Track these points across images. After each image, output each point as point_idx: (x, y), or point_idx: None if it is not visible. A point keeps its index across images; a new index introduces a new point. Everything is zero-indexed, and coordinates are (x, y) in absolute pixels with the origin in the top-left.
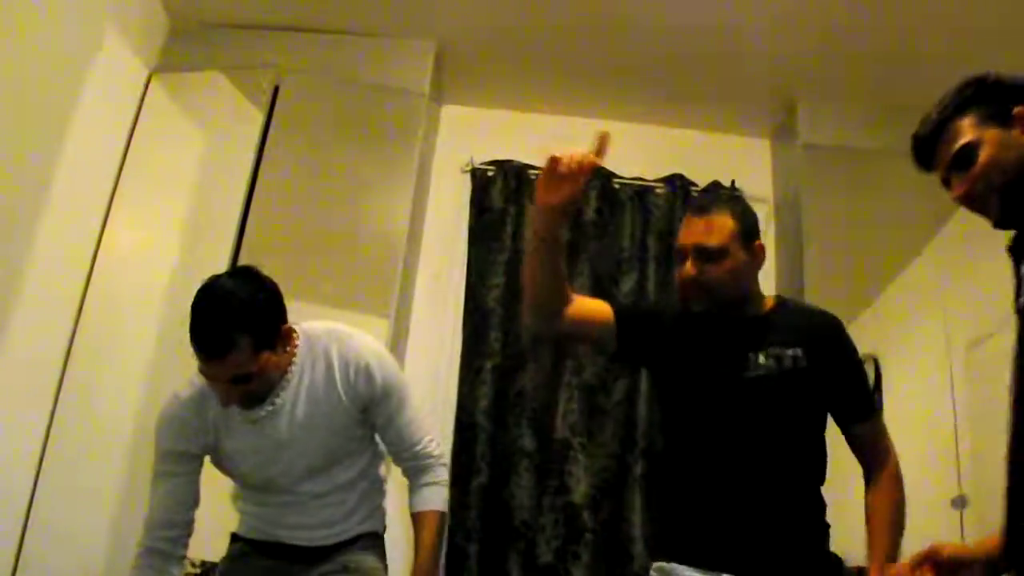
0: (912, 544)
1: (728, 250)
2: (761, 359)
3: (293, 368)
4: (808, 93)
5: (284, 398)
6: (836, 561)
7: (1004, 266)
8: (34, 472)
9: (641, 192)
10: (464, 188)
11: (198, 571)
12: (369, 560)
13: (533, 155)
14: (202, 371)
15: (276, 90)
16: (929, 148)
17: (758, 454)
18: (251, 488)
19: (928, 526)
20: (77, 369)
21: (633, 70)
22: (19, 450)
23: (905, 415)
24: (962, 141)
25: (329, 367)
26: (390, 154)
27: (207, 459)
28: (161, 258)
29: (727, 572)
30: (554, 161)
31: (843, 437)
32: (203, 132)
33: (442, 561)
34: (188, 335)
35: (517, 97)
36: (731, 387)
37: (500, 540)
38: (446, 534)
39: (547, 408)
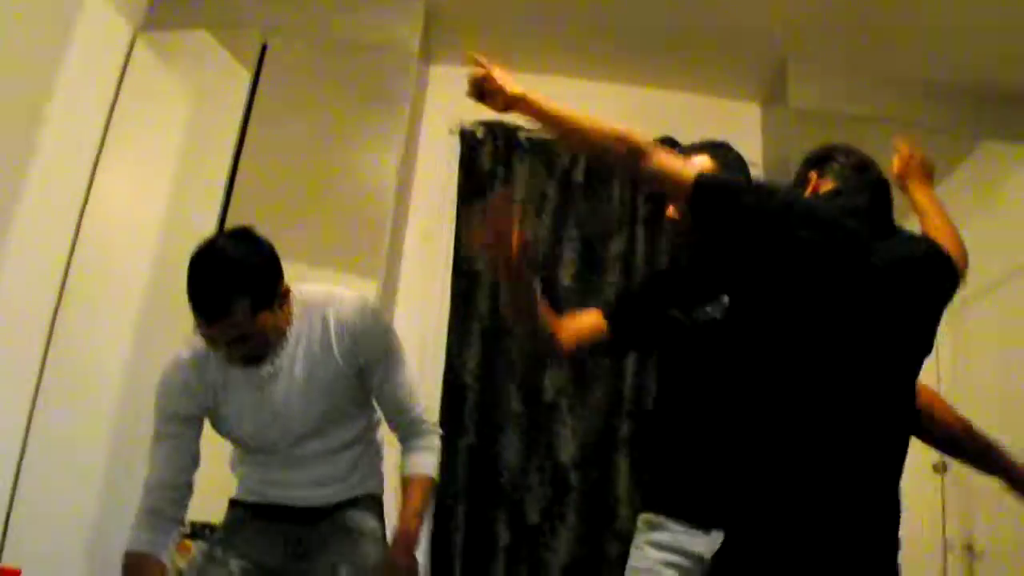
0: None
1: None
2: None
3: (291, 330)
4: (799, 56)
5: (283, 359)
6: None
7: (992, 231)
8: (23, 431)
9: None
10: (453, 149)
11: (188, 531)
12: (368, 521)
13: (523, 117)
14: (201, 333)
15: (264, 49)
16: None
17: (752, 399)
18: (250, 450)
19: (910, 491)
20: (66, 325)
21: (623, 30)
22: (7, 404)
23: None
24: None
25: (325, 329)
26: (379, 114)
27: (207, 422)
28: (149, 218)
29: (719, 528)
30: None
31: None
32: (190, 92)
33: (430, 521)
34: (176, 293)
35: (506, 57)
36: (720, 328)
37: (488, 500)
38: (432, 499)
39: (535, 370)
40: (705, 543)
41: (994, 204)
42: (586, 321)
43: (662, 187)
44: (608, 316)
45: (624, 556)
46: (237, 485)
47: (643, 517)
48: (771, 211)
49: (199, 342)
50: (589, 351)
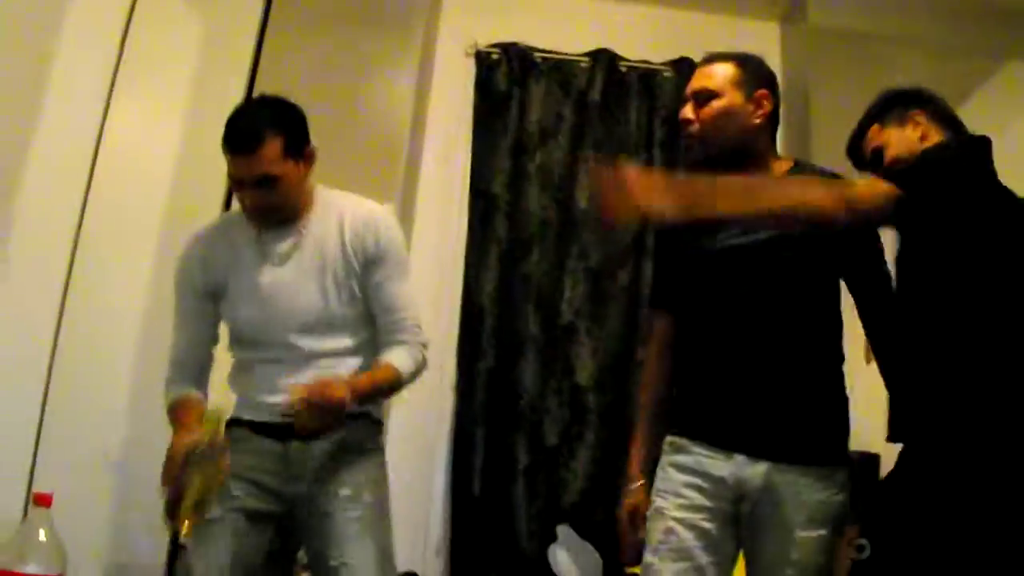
0: None
1: (722, 91)
2: None
3: (310, 216)
4: None
5: (298, 239)
6: (849, 458)
7: (1007, 153)
8: (47, 367)
9: (647, 75)
10: (468, 71)
11: None
12: (368, 442)
13: (538, 38)
14: (232, 173)
15: None
16: (856, 150)
17: (772, 322)
18: (248, 344)
19: None
20: (85, 263)
21: None
22: (30, 340)
23: None
24: (873, 145)
25: (341, 221)
26: (393, 37)
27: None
28: (164, 149)
29: (742, 452)
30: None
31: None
32: (203, 17)
33: (449, 445)
34: (192, 227)
35: None
36: (739, 252)
37: (506, 423)
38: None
39: (553, 293)
40: (727, 467)
41: (1016, 127)
42: (664, 331)
43: (872, 214)
44: (664, 307)
45: None
46: (236, 402)
47: (668, 440)
48: (970, 174)
49: (217, 221)
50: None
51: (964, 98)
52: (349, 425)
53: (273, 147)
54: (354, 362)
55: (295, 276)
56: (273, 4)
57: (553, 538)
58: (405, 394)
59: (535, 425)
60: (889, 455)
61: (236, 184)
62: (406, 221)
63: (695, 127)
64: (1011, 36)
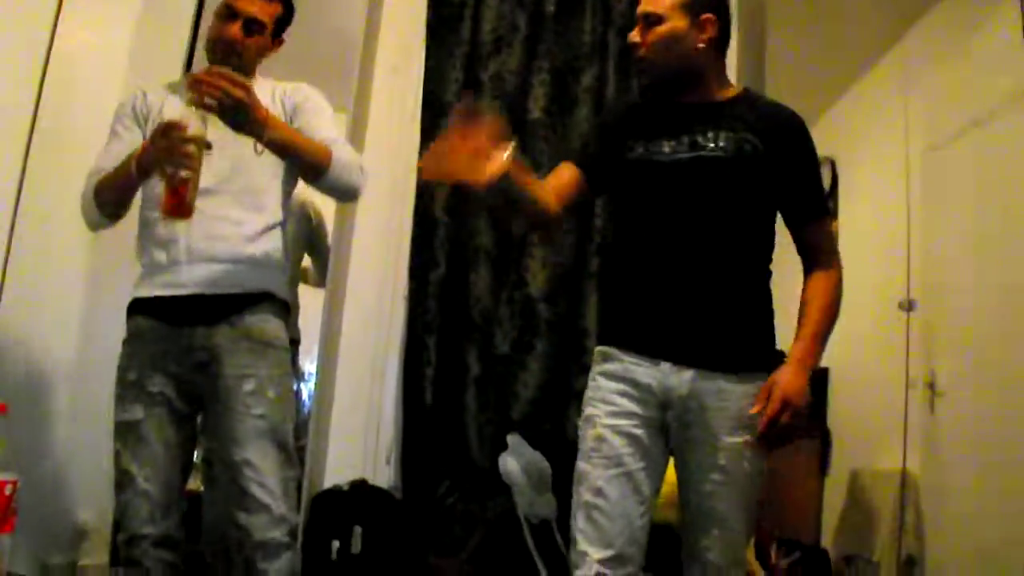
0: (862, 347)
1: (665, 16)
2: (716, 140)
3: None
4: None
5: None
6: (778, 355)
7: (966, 74)
8: None
9: None
10: None
11: None
12: (271, 328)
13: None
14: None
15: None
16: None
17: (705, 236)
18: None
19: (876, 328)
20: (36, 169)
21: None
22: None
23: (859, 219)
24: None
25: (273, 89)
26: None
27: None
28: (115, 53)
29: (668, 360)
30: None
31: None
32: None
33: (401, 354)
34: None
35: None
36: (680, 166)
37: (458, 332)
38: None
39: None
40: (654, 374)
41: (968, 48)
42: (564, 178)
43: None
44: (580, 164)
45: None
46: (137, 281)
47: (598, 350)
48: None
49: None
50: (575, 207)
51: (919, 17)
52: (251, 309)
53: (275, 4)
54: (265, 218)
55: None
56: None
57: (503, 447)
58: (357, 303)
59: (487, 335)
60: (840, 369)
61: (226, 15)
62: (359, 131)
63: (641, 51)
64: None
